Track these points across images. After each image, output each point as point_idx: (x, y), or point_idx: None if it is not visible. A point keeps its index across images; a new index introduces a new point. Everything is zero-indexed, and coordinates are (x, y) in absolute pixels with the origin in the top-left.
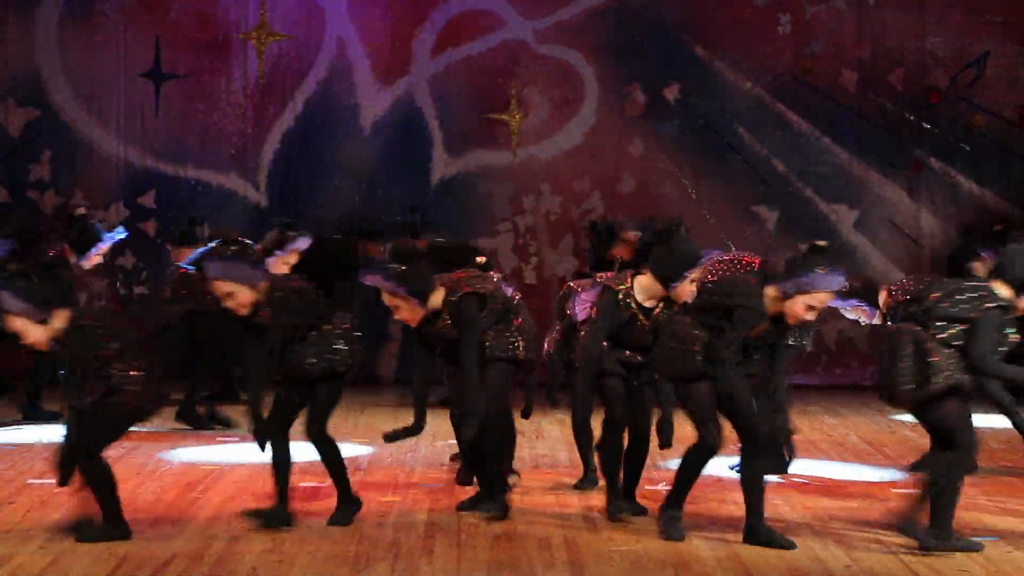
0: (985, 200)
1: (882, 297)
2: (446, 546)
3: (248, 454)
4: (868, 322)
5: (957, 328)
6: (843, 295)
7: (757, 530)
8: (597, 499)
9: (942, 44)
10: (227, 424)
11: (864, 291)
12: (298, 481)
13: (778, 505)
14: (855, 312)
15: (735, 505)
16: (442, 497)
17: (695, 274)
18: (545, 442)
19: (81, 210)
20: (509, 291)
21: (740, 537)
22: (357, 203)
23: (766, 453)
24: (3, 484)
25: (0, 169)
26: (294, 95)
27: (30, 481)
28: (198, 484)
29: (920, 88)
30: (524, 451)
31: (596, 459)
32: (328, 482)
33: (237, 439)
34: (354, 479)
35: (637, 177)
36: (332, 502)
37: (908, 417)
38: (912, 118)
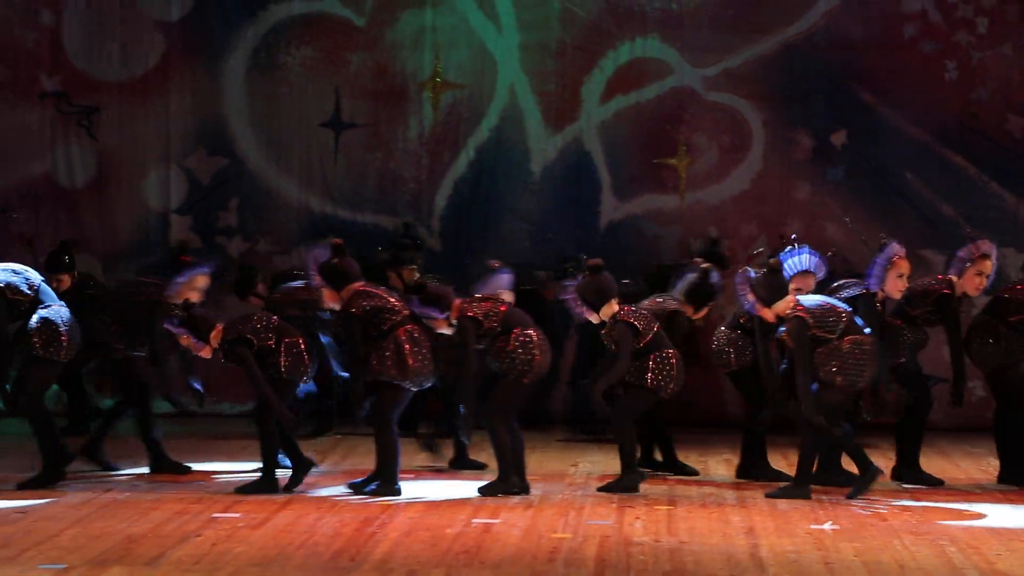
0: None
1: None
2: None
3: (424, 490)
4: None
5: None
6: None
7: None
8: (763, 538)
9: None
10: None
11: None
12: (473, 517)
13: (944, 545)
14: None
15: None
16: (611, 534)
17: None
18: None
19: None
20: None
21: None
22: (527, 247)
23: None
24: (191, 518)
25: (192, 216)
26: (467, 142)
27: (216, 515)
28: (375, 519)
29: None
30: (692, 489)
31: None
32: (502, 518)
33: (412, 476)
34: (525, 515)
35: (804, 221)
36: (507, 538)
37: None
38: None
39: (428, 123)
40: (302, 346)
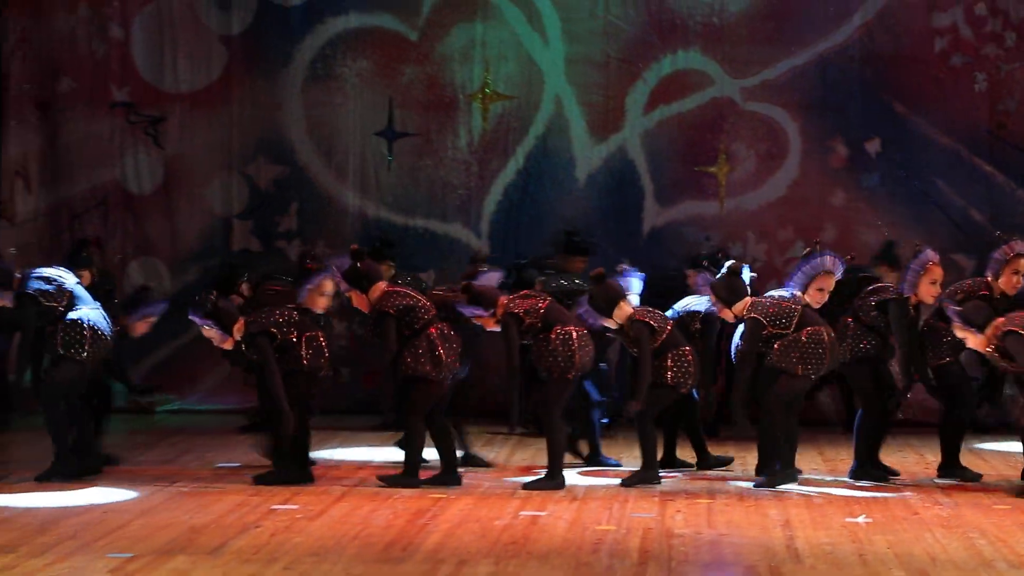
0: None
1: None
2: (658, 572)
3: (473, 484)
4: None
5: None
6: None
7: None
8: (799, 530)
9: None
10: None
11: None
12: (521, 509)
13: (974, 539)
14: None
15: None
16: (654, 526)
17: None
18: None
19: None
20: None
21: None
22: None
23: None
24: (251, 510)
25: (253, 221)
26: (515, 150)
27: (274, 507)
28: (427, 511)
29: None
30: (731, 483)
31: None
32: (548, 510)
33: (464, 468)
34: (571, 507)
35: (839, 226)
36: (553, 530)
37: None
38: None
39: (477, 132)
40: (322, 340)
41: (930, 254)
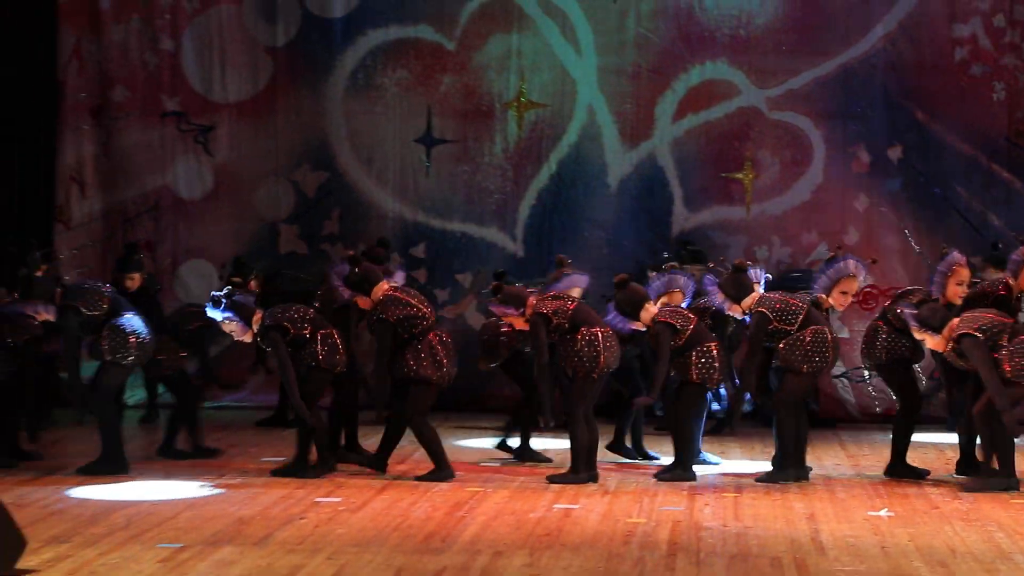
0: None
1: None
2: (687, 564)
3: (507, 479)
4: None
5: None
6: None
7: None
8: (823, 523)
9: None
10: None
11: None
12: (554, 503)
13: (993, 531)
14: None
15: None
16: (683, 519)
17: None
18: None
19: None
20: None
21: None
22: (604, 253)
23: None
24: (295, 502)
25: (299, 225)
26: (549, 157)
27: (318, 499)
28: (464, 504)
29: None
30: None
31: None
32: (581, 503)
33: (499, 463)
34: (602, 501)
35: (861, 230)
36: (586, 522)
37: None
38: None
39: (513, 139)
40: (336, 337)
41: (956, 256)
